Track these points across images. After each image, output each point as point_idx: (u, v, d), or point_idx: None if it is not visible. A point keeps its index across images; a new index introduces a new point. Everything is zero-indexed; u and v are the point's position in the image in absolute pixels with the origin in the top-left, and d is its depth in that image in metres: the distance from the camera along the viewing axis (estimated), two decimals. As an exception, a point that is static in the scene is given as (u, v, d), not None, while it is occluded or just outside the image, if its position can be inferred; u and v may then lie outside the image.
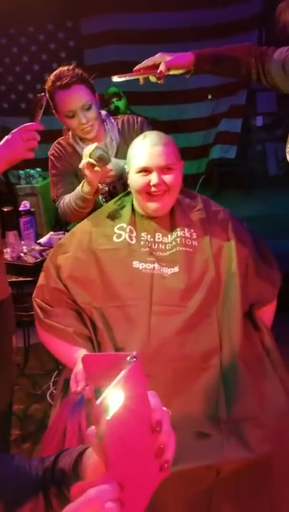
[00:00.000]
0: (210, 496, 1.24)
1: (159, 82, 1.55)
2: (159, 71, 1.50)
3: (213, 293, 1.48)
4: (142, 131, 1.81)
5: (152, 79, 1.56)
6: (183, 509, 1.27)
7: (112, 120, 1.95)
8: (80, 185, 1.79)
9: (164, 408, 0.62)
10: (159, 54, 1.54)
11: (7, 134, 1.38)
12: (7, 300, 1.58)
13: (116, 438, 0.54)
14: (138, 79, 1.57)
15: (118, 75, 1.59)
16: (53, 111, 1.85)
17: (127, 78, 1.57)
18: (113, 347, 1.41)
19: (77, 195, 1.78)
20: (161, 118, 5.47)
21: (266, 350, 1.47)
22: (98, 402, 0.54)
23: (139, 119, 1.99)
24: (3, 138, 1.38)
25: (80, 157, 1.83)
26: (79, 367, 1.36)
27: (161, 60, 1.52)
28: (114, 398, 0.54)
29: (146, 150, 1.53)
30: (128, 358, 0.58)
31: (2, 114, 5.64)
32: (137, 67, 1.55)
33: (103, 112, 1.94)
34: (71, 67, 1.80)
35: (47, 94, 1.76)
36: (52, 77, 1.79)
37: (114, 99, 4.57)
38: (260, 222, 3.94)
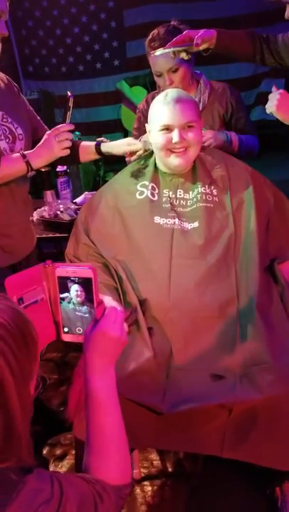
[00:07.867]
0: (223, 434, 1.33)
1: (186, 58, 1.78)
2: (195, 43, 1.72)
3: (231, 247, 1.53)
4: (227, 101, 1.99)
5: (183, 55, 1.79)
6: (197, 445, 1.38)
7: (207, 82, 2.05)
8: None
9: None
10: (186, 31, 1.77)
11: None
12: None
13: None
14: (173, 52, 1.78)
15: (158, 50, 1.80)
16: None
17: (165, 50, 1.79)
18: (137, 297, 1.50)
19: None
20: (201, 79, 5.36)
21: (283, 303, 1.50)
22: None
23: (230, 89, 2.09)
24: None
25: None
26: None
27: (191, 35, 1.74)
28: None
29: (168, 108, 1.56)
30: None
31: (43, 78, 5.70)
32: (170, 43, 1.76)
33: (198, 73, 2.05)
34: (165, 29, 1.92)
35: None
36: (149, 36, 1.95)
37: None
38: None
